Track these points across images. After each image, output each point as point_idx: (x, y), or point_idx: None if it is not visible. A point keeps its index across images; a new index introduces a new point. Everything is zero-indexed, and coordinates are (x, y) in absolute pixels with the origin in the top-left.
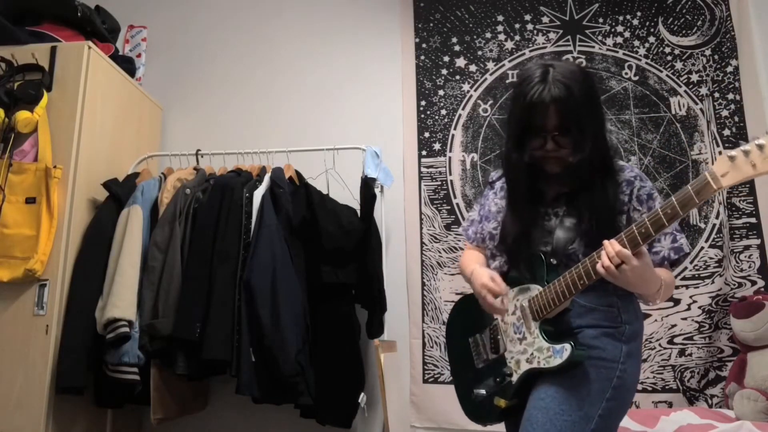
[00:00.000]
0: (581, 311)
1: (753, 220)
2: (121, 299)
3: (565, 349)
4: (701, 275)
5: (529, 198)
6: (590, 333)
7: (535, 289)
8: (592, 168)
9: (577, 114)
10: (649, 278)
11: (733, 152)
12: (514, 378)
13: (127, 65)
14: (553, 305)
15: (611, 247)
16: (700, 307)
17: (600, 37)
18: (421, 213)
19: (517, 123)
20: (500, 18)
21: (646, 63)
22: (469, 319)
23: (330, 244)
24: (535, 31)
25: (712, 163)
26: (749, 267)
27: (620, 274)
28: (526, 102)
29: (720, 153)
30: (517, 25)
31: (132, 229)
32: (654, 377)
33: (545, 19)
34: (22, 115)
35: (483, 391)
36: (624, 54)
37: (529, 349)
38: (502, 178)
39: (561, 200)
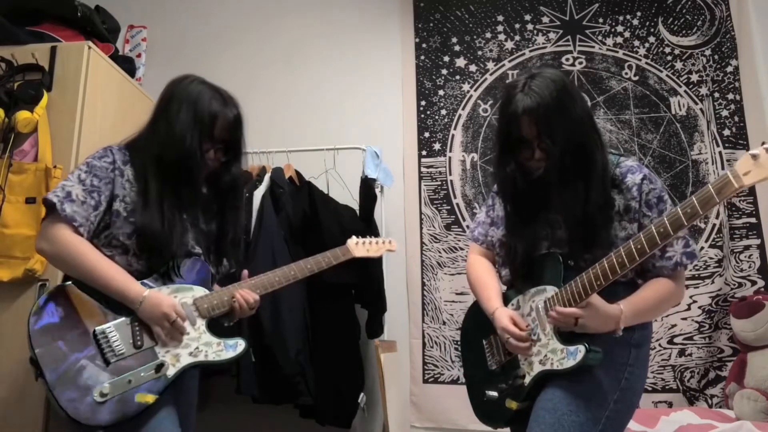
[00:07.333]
0: None
1: (753, 220)
2: None
3: (579, 351)
4: (701, 275)
5: (531, 206)
6: (600, 335)
7: (551, 291)
8: (564, 168)
9: (549, 120)
10: (609, 315)
11: (756, 151)
12: (527, 380)
13: (127, 65)
14: (570, 306)
15: (560, 312)
16: (700, 307)
17: (600, 37)
18: (421, 213)
19: (500, 136)
20: (500, 18)
21: (646, 63)
22: (486, 320)
23: (332, 244)
24: (535, 31)
25: (712, 163)
26: (749, 267)
27: (581, 328)
28: (503, 116)
29: (720, 153)
30: (517, 25)
31: None
32: (654, 377)
33: (545, 19)
34: (22, 115)
35: (495, 393)
36: (624, 54)
37: (543, 351)
38: None
39: None
